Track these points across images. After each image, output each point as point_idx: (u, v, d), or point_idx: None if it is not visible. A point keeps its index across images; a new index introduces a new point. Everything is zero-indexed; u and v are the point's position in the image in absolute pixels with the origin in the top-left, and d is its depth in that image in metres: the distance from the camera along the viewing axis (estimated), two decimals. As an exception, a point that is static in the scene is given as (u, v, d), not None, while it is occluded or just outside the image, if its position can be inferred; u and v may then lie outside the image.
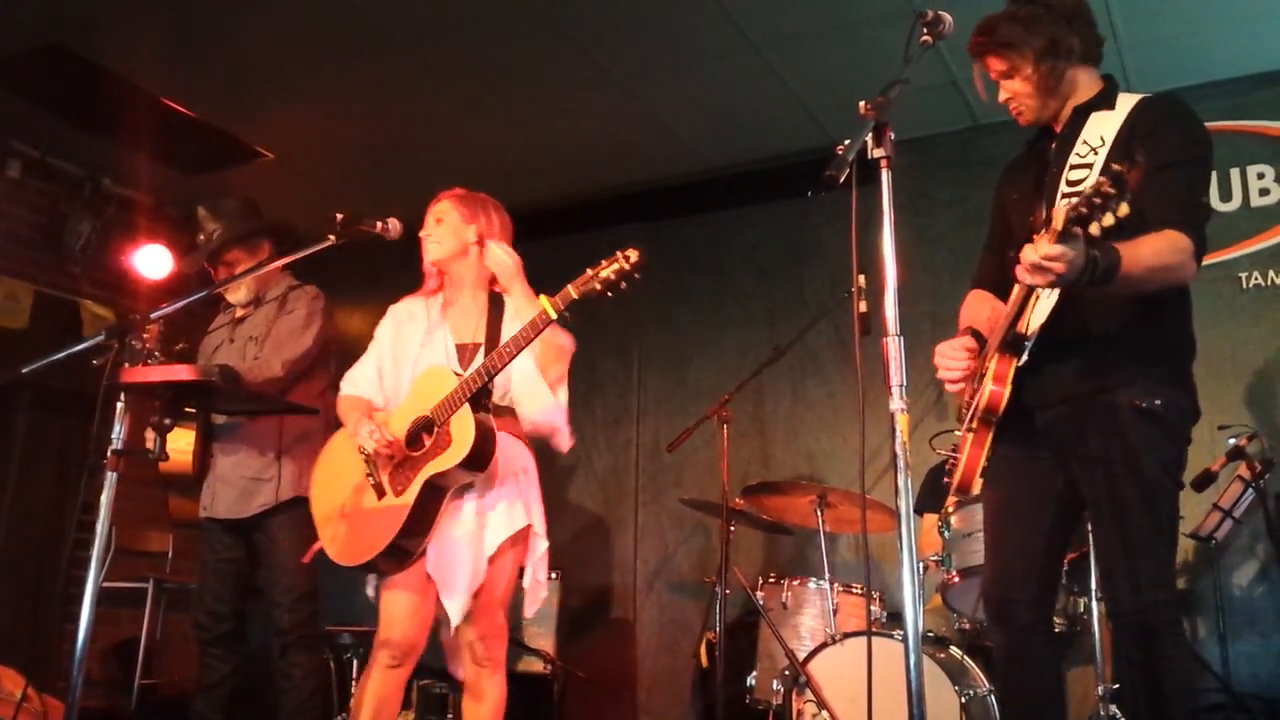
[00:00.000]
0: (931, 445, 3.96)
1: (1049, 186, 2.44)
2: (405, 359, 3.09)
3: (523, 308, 2.96)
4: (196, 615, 3.70)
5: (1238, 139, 4.67)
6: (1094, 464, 2.31)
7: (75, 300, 5.94)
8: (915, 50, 2.11)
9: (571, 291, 2.74)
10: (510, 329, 2.99)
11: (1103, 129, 2.39)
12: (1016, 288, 2.25)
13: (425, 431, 2.87)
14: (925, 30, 2.12)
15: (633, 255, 2.71)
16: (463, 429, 2.78)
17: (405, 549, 2.85)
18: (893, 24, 4.22)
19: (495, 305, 3.13)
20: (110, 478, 2.50)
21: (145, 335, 3.01)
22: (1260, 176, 4.62)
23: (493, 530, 2.89)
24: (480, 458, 2.79)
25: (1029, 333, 2.30)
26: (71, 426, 5.87)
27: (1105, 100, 2.44)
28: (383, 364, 3.12)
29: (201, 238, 3.84)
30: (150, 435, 3.43)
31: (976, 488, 2.45)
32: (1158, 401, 2.26)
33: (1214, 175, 4.66)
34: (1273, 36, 4.41)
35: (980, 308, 2.64)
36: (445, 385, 2.86)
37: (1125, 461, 2.26)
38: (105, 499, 2.49)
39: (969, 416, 2.44)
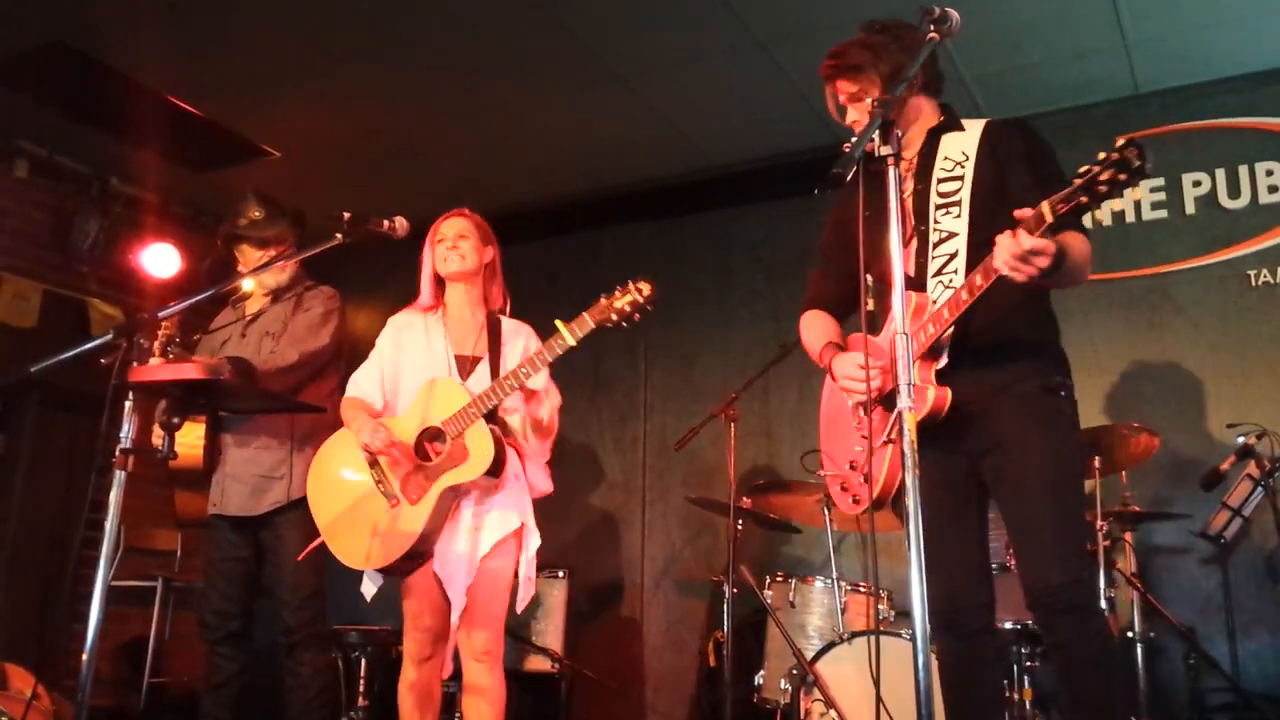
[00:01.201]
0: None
1: (916, 200, 2.52)
2: (405, 367, 3.21)
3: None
4: (204, 614, 3.71)
5: (1245, 136, 4.66)
6: (1010, 446, 2.37)
7: (83, 299, 5.95)
8: (921, 49, 2.12)
9: (588, 319, 2.88)
10: (510, 346, 3.21)
11: (962, 145, 2.52)
12: (953, 291, 2.34)
13: (434, 441, 3.01)
14: (932, 27, 2.12)
15: (645, 288, 2.86)
16: (482, 444, 2.94)
17: (422, 552, 3.01)
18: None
19: (493, 323, 3.28)
20: (119, 476, 2.50)
21: (162, 331, 3.05)
22: (1269, 174, 4.60)
23: (487, 532, 3.04)
24: (496, 471, 2.98)
25: (945, 339, 2.38)
26: (80, 425, 5.88)
27: (953, 124, 2.57)
28: (384, 370, 3.24)
29: (243, 221, 3.84)
30: (158, 433, 3.45)
31: (891, 498, 2.47)
32: (1059, 378, 2.44)
33: (1222, 172, 4.67)
34: (1281, 33, 4.40)
35: (828, 326, 2.80)
36: (455, 398, 3.01)
37: (1042, 439, 2.35)
38: (114, 497, 2.49)
39: (889, 427, 2.34)
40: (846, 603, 3.90)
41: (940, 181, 2.51)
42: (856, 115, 2.58)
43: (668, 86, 5.00)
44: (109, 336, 2.51)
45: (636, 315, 2.88)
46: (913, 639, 1.78)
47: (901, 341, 1.89)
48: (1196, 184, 4.72)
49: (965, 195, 2.46)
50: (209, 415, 3.69)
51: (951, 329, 2.37)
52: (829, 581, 3.99)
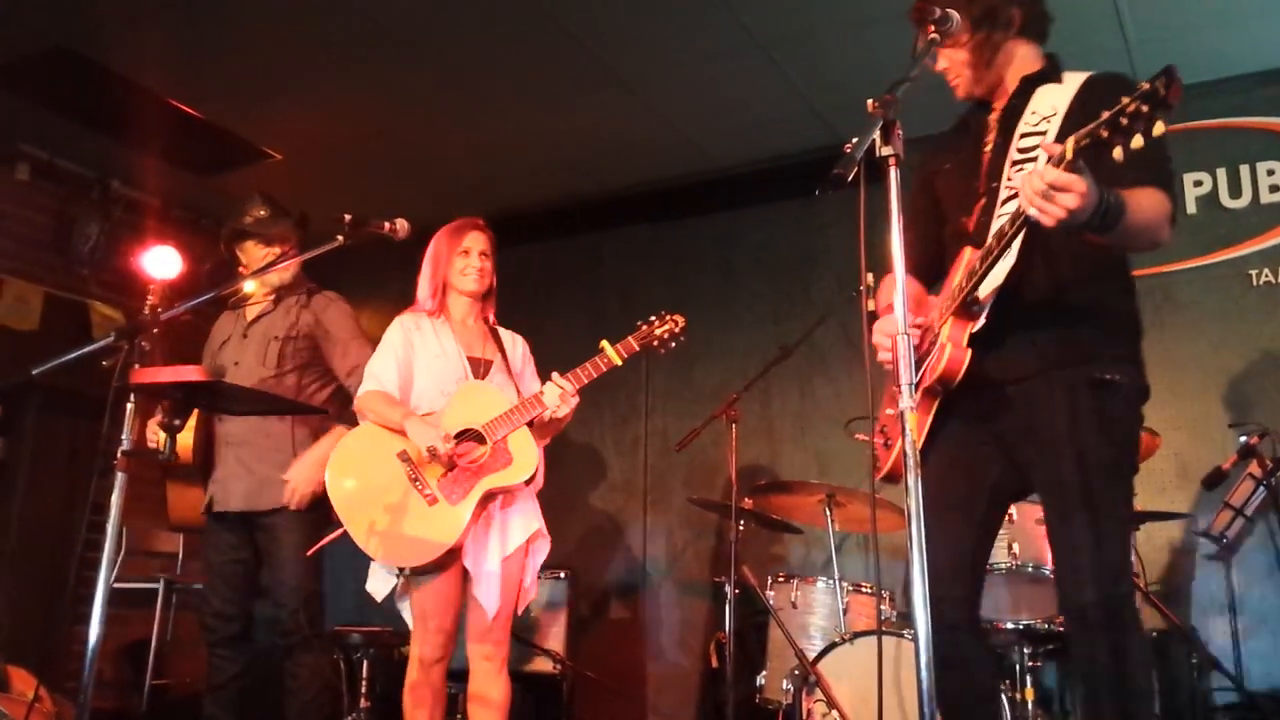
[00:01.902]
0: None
1: (994, 154, 2.36)
2: (418, 366, 3.24)
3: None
4: (204, 616, 3.72)
5: (1247, 135, 4.66)
6: (1050, 446, 2.19)
7: (84, 302, 5.95)
8: (923, 48, 2.11)
9: (633, 343, 3.22)
10: (512, 352, 3.37)
11: (1053, 99, 2.31)
12: (985, 246, 2.17)
13: (474, 442, 3.08)
14: (933, 27, 2.11)
15: (680, 320, 3.28)
16: (526, 450, 3.09)
17: (456, 550, 3.05)
18: (900, 22, 4.17)
19: (493, 329, 3.42)
20: (120, 478, 2.50)
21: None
22: (1270, 173, 4.60)
23: (513, 532, 3.10)
24: (537, 476, 3.17)
25: (983, 297, 2.21)
26: (81, 428, 5.88)
27: (1052, 74, 2.37)
28: (399, 364, 3.24)
29: (248, 219, 3.84)
30: (156, 433, 3.45)
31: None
32: (1117, 376, 2.19)
33: (1224, 172, 4.67)
34: (1282, 33, 4.40)
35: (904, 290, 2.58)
36: (493, 403, 3.11)
37: (1084, 442, 2.15)
38: (115, 500, 2.49)
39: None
40: (849, 603, 3.90)
41: (1022, 136, 2.32)
42: (947, 62, 2.42)
43: (669, 88, 5.00)
44: (110, 339, 2.51)
45: (672, 344, 3.26)
46: (915, 639, 1.77)
47: (903, 341, 1.87)
48: (1198, 184, 4.72)
49: (1043, 153, 2.26)
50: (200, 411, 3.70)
51: (993, 286, 2.18)
52: (831, 582, 3.98)
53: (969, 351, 2.20)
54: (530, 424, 3.13)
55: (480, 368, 3.26)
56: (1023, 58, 2.39)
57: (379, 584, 3.17)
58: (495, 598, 3.02)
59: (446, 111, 5.24)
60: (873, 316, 2.57)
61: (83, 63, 4.83)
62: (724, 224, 5.90)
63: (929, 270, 2.56)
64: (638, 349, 3.22)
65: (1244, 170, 4.65)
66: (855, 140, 1.89)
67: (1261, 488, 3.82)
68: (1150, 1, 4.19)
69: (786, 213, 5.67)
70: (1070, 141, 1.85)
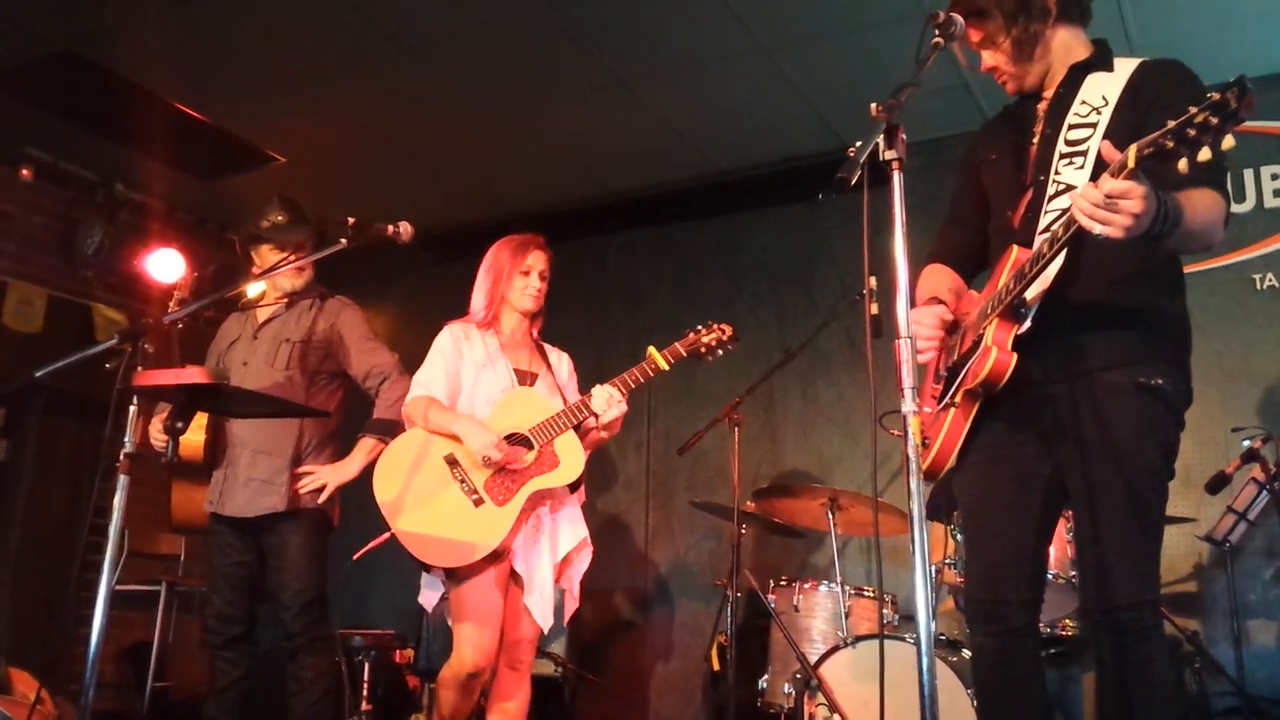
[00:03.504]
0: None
1: (1042, 146, 2.31)
2: (466, 374, 3.26)
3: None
4: (207, 619, 3.72)
5: (1251, 139, 4.65)
6: (1090, 447, 2.15)
7: (88, 304, 5.96)
8: (927, 53, 2.10)
9: (680, 349, 3.26)
10: (557, 367, 3.42)
11: (1104, 89, 2.25)
12: (1036, 244, 2.13)
13: (521, 446, 3.10)
14: (937, 32, 2.11)
15: (728, 329, 3.33)
16: (573, 453, 3.11)
17: (502, 551, 3.07)
18: (903, 26, 4.22)
19: (538, 344, 3.47)
20: (122, 481, 2.51)
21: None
22: (1274, 177, 4.60)
23: (563, 538, 3.15)
24: (579, 482, 3.18)
25: (1030, 299, 2.17)
26: (84, 430, 5.89)
27: (1102, 62, 2.31)
28: (448, 372, 3.26)
29: (266, 223, 3.85)
30: (160, 436, 3.46)
31: (947, 469, 2.31)
32: (1161, 381, 2.14)
33: (1228, 176, 4.65)
34: (1286, 37, 4.40)
35: (940, 280, 2.52)
36: (539, 408, 3.15)
37: (1124, 446, 2.12)
38: (118, 502, 2.50)
39: (953, 390, 2.29)
40: (851, 607, 3.89)
41: (1071, 128, 2.26)
42: (992, 61, 2.36)
43: (672, 92, 5.00)
44: (113, 341, 2.52)
45: (720, 351, 3.30)
46: (917, 643, 1.77)
47: (906, 346, 1.86)
48: (1201, 188, 4.71)
49: (1093, 146, 2.18)
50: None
51: (1040, 289, 2.14)
52: (833, 585, 3.98)
53: (1015, 356, 2.17)
54: (576, 429, 3.14)
55: (526, 380, 3.29)
56: (1068, 45, 2.33)
57: (429, 592, 3.20)
58: (549, 611, 3.07)
59: (450, 115, 5.25)
60: (876, 320, 2.58)
61: (88, 66, 4.84)
62: (727, 227, 5.90)
63: (972, 262, 2.52)
64: (685, 355, 3.26)
65: (1248, 175, 4.64)
66: (858, 144, 1.88)
67: (1264, 492, 3.81)
68: (1153, 8, 4.19)
69: (790, 216, 5.67)
70: (1132, 150, 1.79)
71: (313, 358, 3.74)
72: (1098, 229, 1.85)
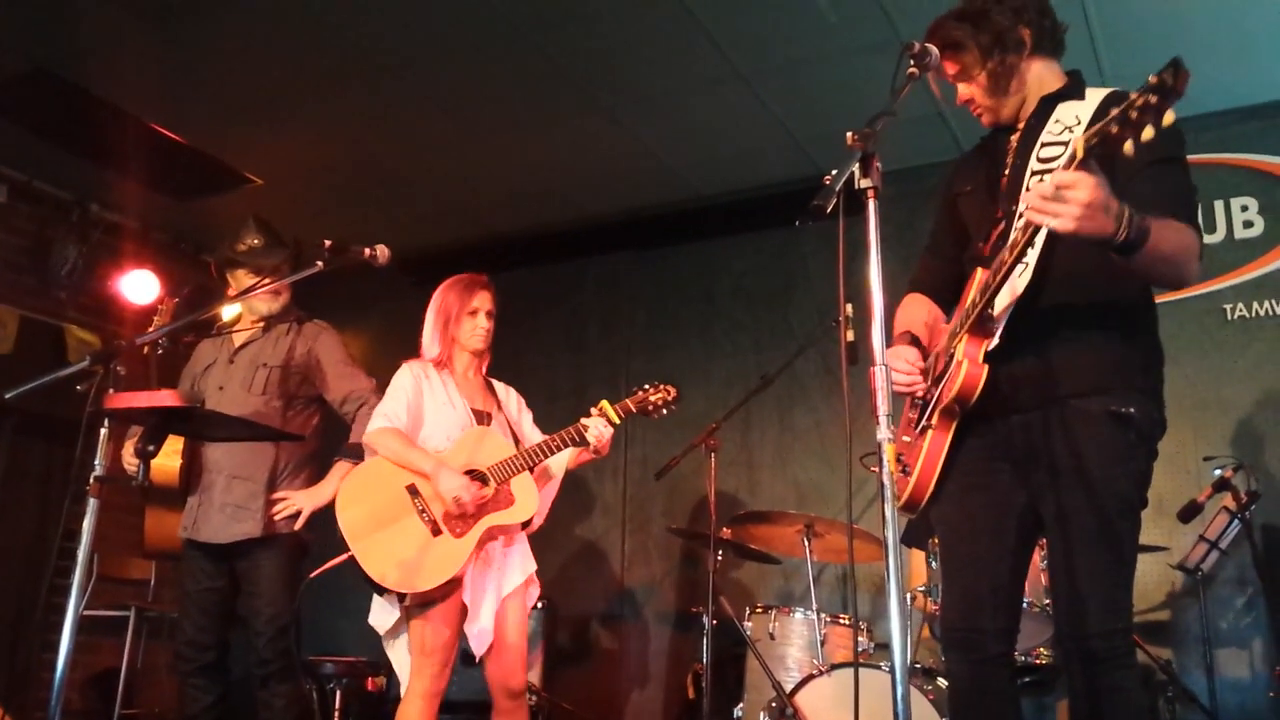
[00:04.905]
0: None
1: (1012, 177, 2.32)
2: (425, 411, 3.32)
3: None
4: (179, 646, 3.66)
5: (1221, 171, 4.72)
6: (1062, 475, 2.15)
7: (60, 325, 5.91)
8: (902, 82, 2.12)
9: (630, 405, 3.39)
10: (506, 405, 3.48)
11: (1076, 111, 2.26)
12: (997, 259, 2.14)
13: (479, 482, 3.17)
14: (912, 63, 2.13)
15: (673, 390, 3.44)
16: (527, 493, 3.23)
17: (457, 580, 3.13)
18: (879, 55, 4.26)
19: (488, 382, 3.52)
20: (92, 504, 2.48)
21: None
22: (1244, 209, 4.66)
23: (511, 573, 3.24)
24: (530, 521, 3.28)
25: (997, 313, 2.18)
26: (54, 452, 5.83)
27: (1075, 91, 2.32)
28: (410, 407, 3.31)
29: (242, 247, 3.83)
30: (132, 459, 3.41)
31: (928, 498, 2.31)
32: (1133, 409, 2.14)
33: (1199, 208, 4.71)
34: (1256, 71, 4.47)
35: (918, 311, 2.54)
36: (497, 447, 3.24)
37: (1096, 474, 2.12)
38: (87, 525, 2.47)
39: (928, 413, 2.29)
40: (826, 634, 3.88)
41: (1043, 145, 2.26)
42: (968, 93, 2.38)
43: (651, 118, 5.03)
44: (85, 363, 2.49)
45: (664, 410, 3.43)
46: (891, 671, 1.77)
47: (880, 373, 1.87)
48: (1172, 219, 4.77)
49: (1063, 164, 2.15)
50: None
51: (1008, 300, 2.14)
52: (809, 613, 3.97)
53: (985, 368, 2.17)
54: (531, 470, 3.24)
55: (483, 419, 3.37)
56: (1041, 77, 2.35)
57: (382, 616, 3.21)
58: (486, 638, 3.13)
59: (429, 138, 5.25)
60: (851, 347, 2.58)
61: (63, 85, 4.81)
62: (705, 253, 5.93)
63: (950, 291, 2.51)
64: (635, 411, 3.40)
65: (1218, 206, 4.70)
66: (834, 172, 1.89)
67: (1236, 521, 3.84)
68: (1124, 37, 4.25)
69: (767, 242, 5.70)
70: (1079, 141, 1.82)
71: (291, 382, 3.72)
72: (1050, 221, 1.86)
